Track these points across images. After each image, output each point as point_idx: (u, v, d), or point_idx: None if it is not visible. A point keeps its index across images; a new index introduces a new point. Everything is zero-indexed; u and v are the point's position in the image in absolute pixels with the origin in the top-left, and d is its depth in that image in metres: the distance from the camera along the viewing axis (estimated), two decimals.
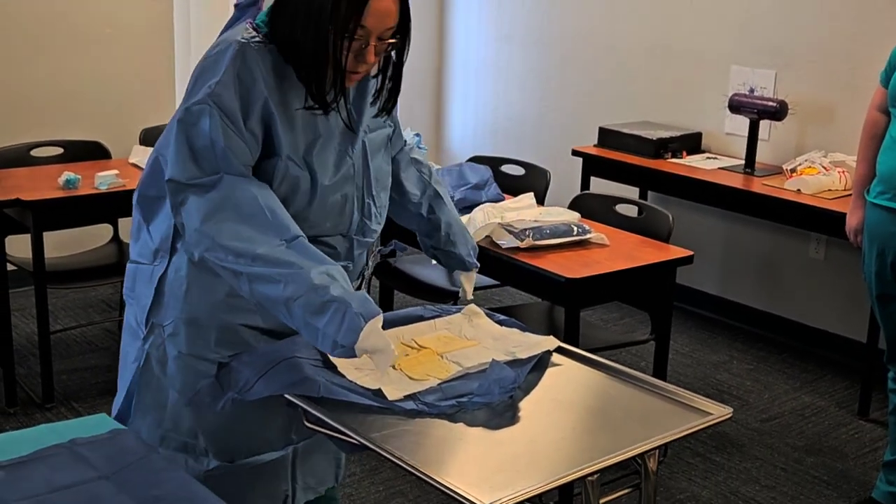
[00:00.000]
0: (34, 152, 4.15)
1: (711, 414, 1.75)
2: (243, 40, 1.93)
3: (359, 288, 2.23)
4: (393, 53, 2.06)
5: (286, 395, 1.75)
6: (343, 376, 1.82)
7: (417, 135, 4.27)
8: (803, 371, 4.35)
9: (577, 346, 3.09)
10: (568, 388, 1.89)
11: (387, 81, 2.09)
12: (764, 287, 4.76)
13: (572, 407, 1.81)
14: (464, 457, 1.60)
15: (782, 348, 4.59)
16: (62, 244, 4.19)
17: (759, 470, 3.50)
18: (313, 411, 1.69)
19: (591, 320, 4.60)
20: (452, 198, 3.58)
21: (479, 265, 2.40)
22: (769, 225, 4.57)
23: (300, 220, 1.96)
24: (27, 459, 1.55)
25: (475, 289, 3.90)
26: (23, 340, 4.25)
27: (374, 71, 2.07)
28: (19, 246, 3.80)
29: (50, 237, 3.70)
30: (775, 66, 4.52)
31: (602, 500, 1.60)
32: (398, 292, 4.15)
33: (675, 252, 3.28)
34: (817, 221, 3.94)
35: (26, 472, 1.51)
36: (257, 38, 1.95)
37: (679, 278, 3.38)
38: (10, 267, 3.74)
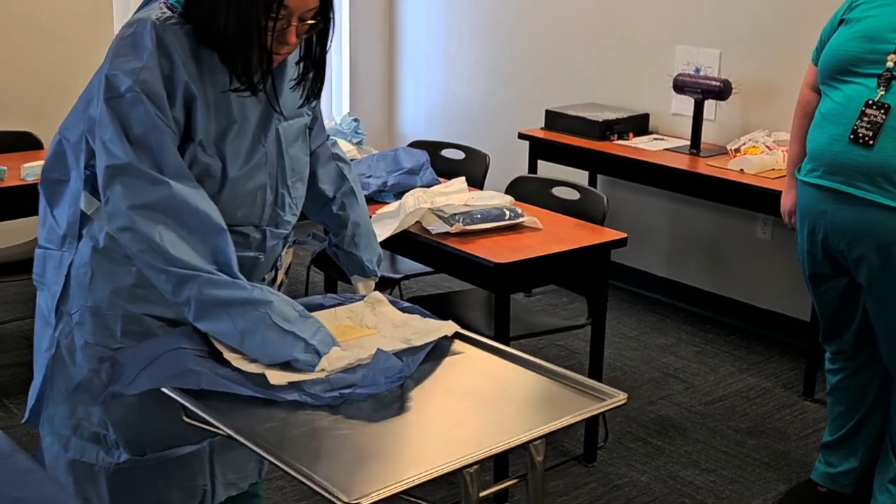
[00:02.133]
0: None
1: (606, 398, 1.69)
2: (158, 21, 1.86)
3: (273, 281, 2.16)
4: (315, 39, 2.00)
5: (164, 389, 1.68)
6: (228, 364, 1.76)
7: (355, 120, 4.20)
8: (750, 352, 4.32)
9: (508, 331, 3.06)
10: (463, 376, 1.83)
11: (310, 69, 2.03)
12: (712, 268, 4.72)
13: (465, 396, 1.75)
14: (339, 449, 1.55)
15: (730, 330, 4.56)
16: None
17: (700, 453, 3.47)
18: (190, 405, 1.63)
19: (535, 306, 4.56)
20: (385, 183, 3.54)
21: (378, 274, 2.33)
22: (716, 206, 4.53)
23: None
24: None
25: (413, 275, 3.88)
26: None
27: (296, 57, 2.01)
28: None
29: None
30: (720, 45, 4.47)
31: (483, 493, 1.55)
32: (342, 283, 4.08)
33: (609, 234, 3.23)
34: (762, 201, 3.90)
35: None
36: (173, 19, 1.88)
37: (626, 261, 3.34)
38: None
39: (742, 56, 4.40)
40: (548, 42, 5.19)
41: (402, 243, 3.20)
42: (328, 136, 2.35)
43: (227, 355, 1.78)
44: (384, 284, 3.83)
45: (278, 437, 1.56)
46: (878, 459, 3.01)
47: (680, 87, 4.38)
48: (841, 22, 2.83)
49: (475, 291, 3.67)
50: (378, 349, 1.78)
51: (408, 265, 3.86)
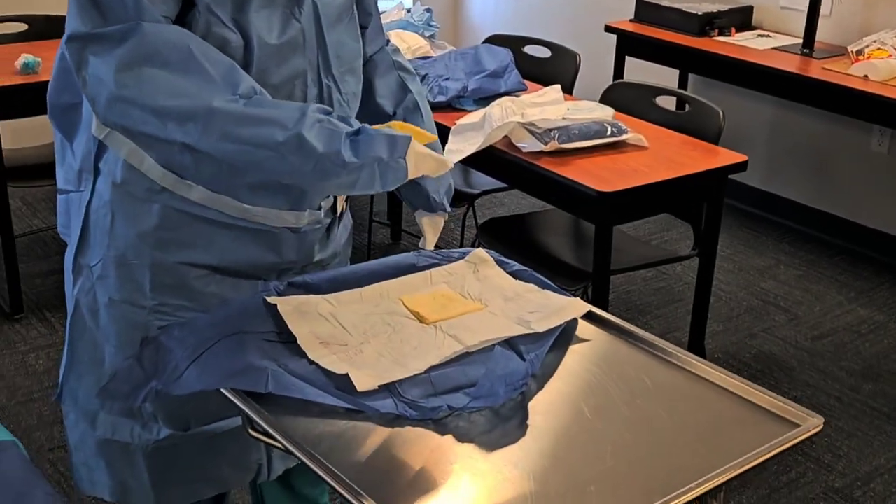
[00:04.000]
0: None
1: (799, 425, 1.30)
2: None
3: (333, 208, 1.77)
4: None
5: (223, 392, 1.31)
6: (304, 357, 1.39)
7: (428, 10, 3.72)
8: (857, 278, 3.90)
9: (608, 267, 2.65)
10: (599, 379, 1.42)
11: None
12: (816, 182, 4.26)
13: (603, 413, 1.35)
14: (451, 492, 1.17)
15: (835, 251, 4.13)
16: (20, 132, 3.75)
17: (811, 399, 3.09)
18: (258, 419, 1.26)
19: (625, 229, 4.15)
20: (465, 88, 3.09)
21: (448, 210, 1.91)
22: (825, 114, 4.04)
23: None
24: None
25: (490, 191, 3.47)
26: None
27: None
28: None
29: (7, 127, 3.28)
30: None
31: None
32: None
33: (727, 157, 2.79)
34: (885, 112, 3.45)
35: None
36: None
37: None
38: None
39: None
40: None
41: (484, 159, 2.78)
42: (388, 40, 1.93)
43: (303, 343, 1.40)
44: (458, 200, 3.43)
45: (371, 470, 1.18)
46: None
47: None
48: None
49: (558, 212, 3.25)
50: (497, 347, 1.39)
51: (482, 179, 3.44)
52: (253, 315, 1.46)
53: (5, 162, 3.26)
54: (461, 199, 3.40)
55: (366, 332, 1.47)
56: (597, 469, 1.23)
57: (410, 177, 1.50)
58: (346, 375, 1.34)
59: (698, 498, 1.16)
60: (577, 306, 1.55)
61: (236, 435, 1.74)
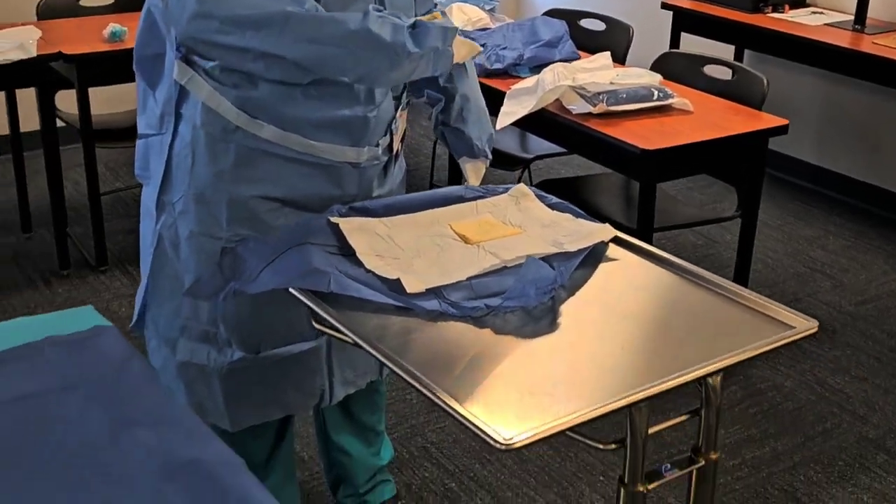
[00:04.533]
0: (83, 1, 3.93)
1: (793, 327, 1.47)
2: None
3: (389, 147, 1.95)
4: None
5: (291, 290, 1.51)
6: (361, 265, 1.58)
7: None
8: None
9: (651, 224, 2.81)
10: (623, 290, 1.61)
11: None
12: (867, 156, 4.35)
13: (625, 314, 1.54)
14: (487, 374, 1.36)
15: (883, 222, 4.22)
16: (111, 101, 3.99)
17: (850, 359, 3.21)
18: (319, 310, 1.46)
19: (672, 193, 4.28)
20: (521, 56, 3.27)
21: (489, 156, 2.09)
22: (877, 88, 4.13)
23: None
24: None
25: (543, 156, 3.64)
26: (77, 200, 4.12)
27: None
28: (67, 103, 3.62)
29: (97, 93, 3.51)
30: None
31: (652, 430, 1.35)
32: None
33: (768, 121, 2.92)
34: None
35: None
36: None
37: (772, 144, 3.02)
38: (59, 124, 3.57)
39: None
40: None
41: (538, 122, 2.96)
42: (436, 3, 2.10)
43: (361, 254, 1.60)
44: (514, 164, 3.61)
45: (417, 354, 1.38)
46: None
47: None
48: None
49: (610, 176, 3.41)
50: (528, 256, 1.58)
51: (536, 145, 3.62)
52: (317, 231, 1.66)
53: (94, 124, 3.52)
54: (516, 162, 3.58)
55: (417, 249, 1.67)
56: (614, 357, 1.42)
57: (456, 61, 1.76)
58: (398, 280, 1.53)
59: (698, 379, 1.33)
60: (606, 231, 1.73)
61: (302, 360, 1.94)
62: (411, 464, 2.67)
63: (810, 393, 3.03)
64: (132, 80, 3.77)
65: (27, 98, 3.69)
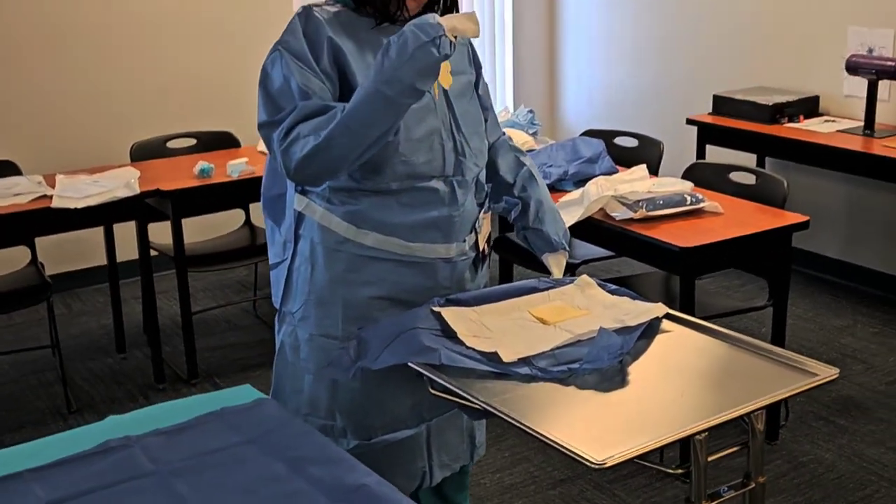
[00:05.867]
0: (170, 144, 4.41)
1: (818, 375, 1.81)
2: (307, 5, 2.11)
3: (476, 248, 2.27)
4: None
5: (410, 364, 1.88)
6: (462, 343, 1.95)
7: (531, 111, 4.36)
8: None
9: (692, 313, 3.16)
10: (676, 353, 1.98)
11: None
12: (888, 249, 4.69)
13: (680, 371, 1.90)
14: (577, 418, 1.72)
15: None
16: (198, 230, 4.43)
17: (885, 432, 3.50)
18: (437, 378, 1.83)
19: (709, 288, 4.61)
20: (566, 172, 3.68)
21: (567, 248, 2.41)
22: (891, 186, 4.50)
23: (392, 156, 2.08)
24: (185, 426, 1.73)
25: (591, 260, 4.02)
26: (167, 321, 4.52)
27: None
28: (157, 233, 4.05)
29: (187, 223, 3.93)
30: (893, 24, 4.44)
31: (710, 458, 1.69)
32: (517, 266, 4.26)
33: (791, 218, 3.29)
34: None
35: (184, 437, 1.69)
36: (322, 2, 2.14)
37: (800, 243, 3.39)
38: (152, 253, 3.99)
39: None
40: (714, 26, 5.23)
41: (586, 229, 3.34)
42: (503, 132, 2.51)
43: (462, 335, 1.97)
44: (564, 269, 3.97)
45: (518, 406, 1.74)
46: None
47: (853, 68, 4.37)
48: None
49: (652, 275, 3.78)
50: (601, 327, 1.94)
51: (585, 250, 4.00)
52: (423, 318, 2.03)
53: (187, 251, 3.94)
54: (567, 267, 3.95)
55: (504, 330, 2.04)
56: (675, 402, 1.78)
57: (458, 34, 1.97)
58: (495, 352, 1.90)
59: (744, 416, 1.68)
60: (660, 308, 2.10)
61: (406, 446, 2.27)
62: None
63: (849, 464, 3.31)
64: (219, 209, 4.23)
65: (119, 230, 4.13)
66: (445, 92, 2.19)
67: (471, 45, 2.36)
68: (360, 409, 2.22)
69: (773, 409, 3.44)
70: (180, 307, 3.99)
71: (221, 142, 4.45)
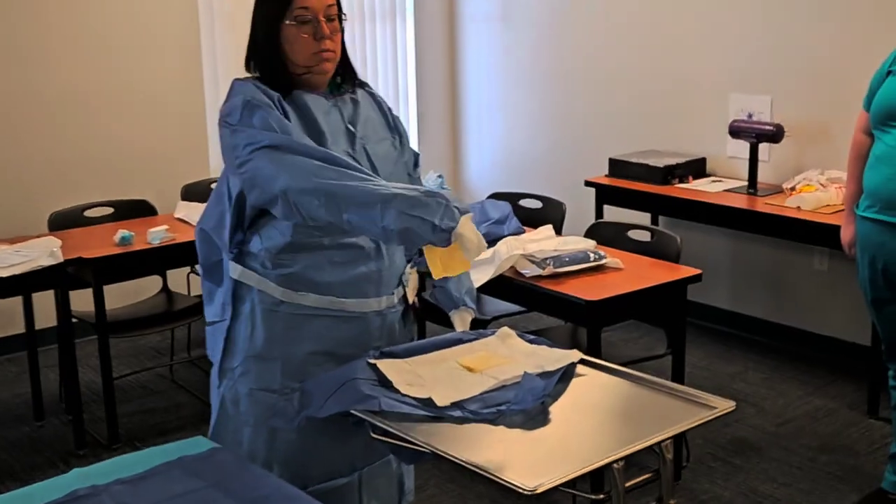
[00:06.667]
0: (87, 213, 4.49)
1: (717, 407, 2.04)
2: (240, 80, 2.31)
3: (404, 300, 2.46)
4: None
5: (353, 411, 2.05)
6: (398, 391, 2.12)
7: (440, 176, 4.58)
8: (814, 377, 4.61)
9: None
10: (592, 393, 2.19)
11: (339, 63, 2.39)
12: (773, 300, 5.03)
13: (597, 408, 2.11)
14: (507, 453, 1.90)
15: (794, 356, 4.85)
16: (114, 297, 4.48)
17: (777, 469, 3.76)
18: (379, 423, 1.99)
19: (612, 339, 4.87)
20: None
21: (472, 306, 2.57)
22: (774, 241, 4.84)
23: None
24: (147, 475, 1.86)
25: (501, 316, 4.23)
26: (84, 389, 4.54)
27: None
28: (74, 301, 4.09)
29: (110, 289, 4.00)
30: (770, 91, 4.82)
31: (627, 484, 1.89)
32: (430, 323, 4.43)
33: (685, 271, 3.56)
34: (818, 235, 4.20)
35: (149, 484, 1.81)
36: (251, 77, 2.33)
37: (692, 296, 3.64)
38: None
39: (792, 101, 4.74)
40: (607, 94, 5.57)
41: (498, 286, 3.56)
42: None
43: (397, 384, 2.14)
44: (474, 325, 4.17)
45: (454, 445, 1.92)
46: None
47: (735, 132, 4.73)
48: (888, 73, 3.18)
49: (560, 328, 4.01)
50: (525, 372, 2.14)
51: (496, 306, 4.21)
52: (361, 370, 2.20)
53: (107, 318, 4.01)
54: (475, 325, 4.15)
55: (435, 378, 2.22)
56: (589, 437, 1.98)
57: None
58: (429, 398, 2.08)
59: (655, 445, 1.89)
60: (575, 354, 2.31)
61: (339, 493, 2.41)
62: None
63: (745, 500, 3.56)
64: (140, 276, 4.31)
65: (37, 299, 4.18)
66: (367, 155, 2.37)
67: (390, 111, 2.53)
68: (296, 460, 2.36)
69: (675, 450, 3.67)
70: (101, 373, 4.05)
71: (138, 210, 4.55)
